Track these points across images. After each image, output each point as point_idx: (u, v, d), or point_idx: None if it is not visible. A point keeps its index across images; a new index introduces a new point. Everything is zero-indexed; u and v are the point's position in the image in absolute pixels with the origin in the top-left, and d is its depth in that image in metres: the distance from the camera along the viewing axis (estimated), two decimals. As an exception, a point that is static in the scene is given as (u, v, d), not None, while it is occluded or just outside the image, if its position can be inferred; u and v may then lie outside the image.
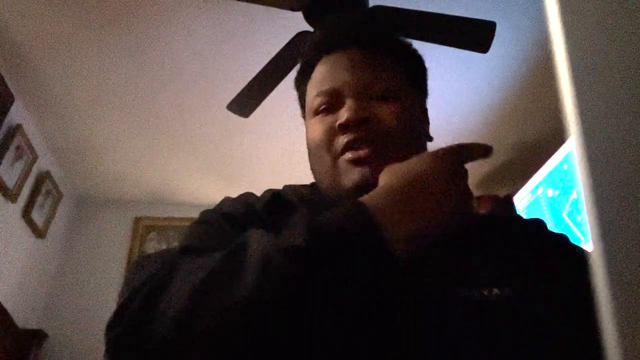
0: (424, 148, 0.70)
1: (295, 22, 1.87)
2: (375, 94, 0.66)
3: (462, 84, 2.52)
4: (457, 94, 2.56)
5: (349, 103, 0.65)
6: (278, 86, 2.07)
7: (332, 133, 0.65)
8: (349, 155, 0.63)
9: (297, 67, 0.78)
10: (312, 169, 0.71)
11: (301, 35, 1.89)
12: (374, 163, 0.62)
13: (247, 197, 0.69)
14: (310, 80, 0.72)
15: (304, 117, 0.78)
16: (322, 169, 0.67)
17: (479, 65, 2.39)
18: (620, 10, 0.11)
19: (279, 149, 2.97)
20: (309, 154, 0.71)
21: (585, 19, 0.12)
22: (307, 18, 1.81)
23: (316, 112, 0.68)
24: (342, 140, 0.64)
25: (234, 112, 2.22)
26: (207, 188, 3.33)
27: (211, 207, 0.67)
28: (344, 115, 0.63)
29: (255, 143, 2.93)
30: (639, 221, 0.10)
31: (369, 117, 0.63)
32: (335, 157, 0.64)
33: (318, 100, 0.68)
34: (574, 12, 0.12)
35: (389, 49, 0.71)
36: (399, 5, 1.83)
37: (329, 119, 0.66)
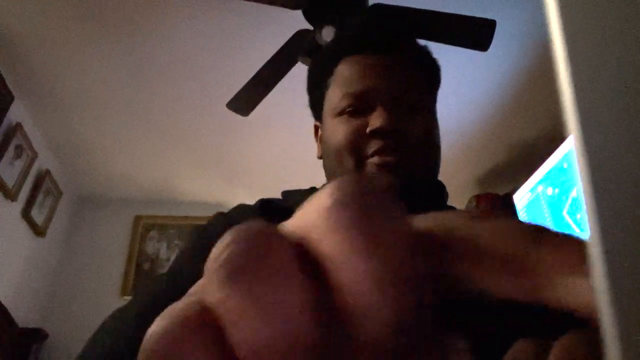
0: (440, 159, 0.71)
1: (295, 21, 1.87)
2: (405, 104, 0.67)
3: (462, 83, 2.52)
4: (457, 93, 2.56)
5: (381, 110, 0.65)
6: (277, 85, 2.07)
7: (359, 136, 0.65)
8: (377, 159, 0.64)
9: (308, 63, 0.75)
10: (327, 167, 0.71)
11: (300, 34, 1.89)
12: (399, 172, 0.63)
13: (225, 214, 0.68)
14: (335, 79, 0.71)
15: (316, 114, 0.77)
16: (342, 169, 0.67)
17: (479, 63, 2.39)
18: (620, 10, 0.11)
19: (278, 148, 2.97)
20: (327, 152, 0.70)
21: (585, 18, 0.11)
22: (307, 17, 1.81)
23: (341, 113, 0.68)
24: (372, 144, 0.64)
25: (234, 110, 2.22)
26: (207, 186, 3.33)
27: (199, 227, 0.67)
28: (377, 122, 0.64)
29: (255, 141, 2.93)
30: (639, 221, 0.10)
31: (401, 129, 0.65)
32: (361, 160, 0.65)
33: (345, 102, 0.67)
34: (574, 11, 0.12)
35: (416, 57, 0.72)
36: (398, 4, 1.83)
37: (356, 121, 0.66)
